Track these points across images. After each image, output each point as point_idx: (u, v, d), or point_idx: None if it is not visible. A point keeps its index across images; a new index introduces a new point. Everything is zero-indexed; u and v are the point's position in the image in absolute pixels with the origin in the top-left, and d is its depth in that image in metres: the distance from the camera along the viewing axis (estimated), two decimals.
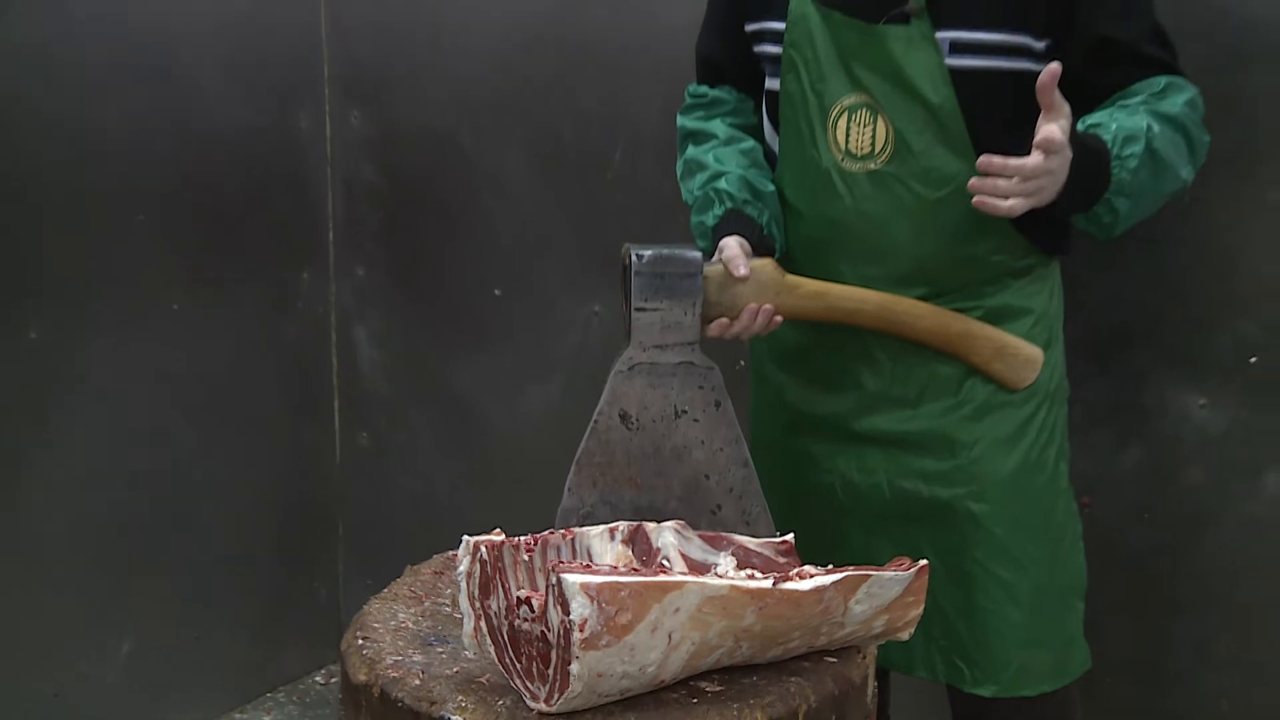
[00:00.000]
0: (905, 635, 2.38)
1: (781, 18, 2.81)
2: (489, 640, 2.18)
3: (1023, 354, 2.79)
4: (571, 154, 3.84)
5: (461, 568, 2.21)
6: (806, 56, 2.80)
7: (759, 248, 2.76)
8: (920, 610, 2.37)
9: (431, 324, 4.15)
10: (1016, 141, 2.59)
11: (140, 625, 3.82)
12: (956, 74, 2.68)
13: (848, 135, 2.77)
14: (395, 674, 2.22)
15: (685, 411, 2.63)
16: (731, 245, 2.69)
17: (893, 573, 2.30)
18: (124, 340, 3.72)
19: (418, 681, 2.20)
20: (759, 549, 2.44)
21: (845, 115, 2.79)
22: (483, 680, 2.20)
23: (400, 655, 2.29)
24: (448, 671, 2.23)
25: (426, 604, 2.49)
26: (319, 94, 4.11)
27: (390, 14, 4.03)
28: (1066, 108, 2.49)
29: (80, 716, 3.73)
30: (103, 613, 3.76)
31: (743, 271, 2.62)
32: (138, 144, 3.70)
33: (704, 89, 3.07)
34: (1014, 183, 2.48)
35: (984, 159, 2.50)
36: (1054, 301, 2.87)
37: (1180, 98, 2.72)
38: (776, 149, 2.94)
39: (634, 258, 2.60)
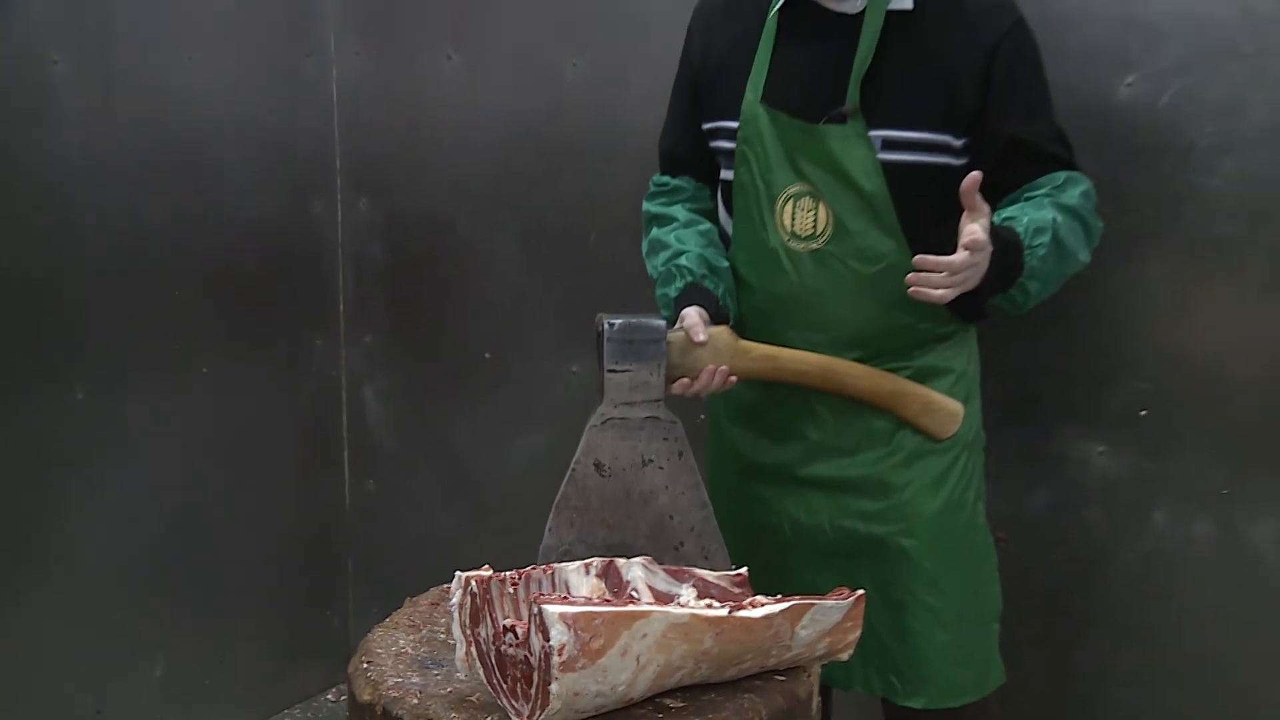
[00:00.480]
0: (845, 656, 2.39)
1: (735, 117, 2.85)
2: (478, 664, 2.19)
3: (946, 409, 2.83)
4: (553, 236, 3.85)
5: (454, 599, 2.22)
6: (757, 151, 2.83)
7: (715, 317, 2.77)
8: (858, 634, 2.39)
9: (430, 384, 4.14)
10: (939, 224, 2.67)
11: (173, 649, 3.82)
12: (887, 167, 2.71)
13: (793, 219, 2.80)
14: (396, 694, 2.24)
15: (652, 460, 2.63)
16: (691, 315, 2.71)
17: (833, 601, 2.32)
18: (160, 399, 3.72)
19: (415, 700, 2.22)
20: (716, 581, 2.44)
21: (790, 202, 2.82)
22: (473, 699, 2.22)
23: (400, 677, 2.30)
24: (442, 691, 2.25)
25: (424, 631, 2.49)
26: (332, 185, 4.11)
27: (396, 116, 4.04)
28: (986, 207, 2.53)
29: (125, 717, 3.73)
30: (140, 638, 3.76)
31: (701, 338, 2.65)
32: (174, 228, 3.71)
33: (666, 179, 3.09)
34: (944, 276, 2.52)
35: (919, 258, 2.53)
36: (972, 363, 2.90)
37: (1077, 190, 2.77)
38: (730, 230, 2.95)
39: (606, 325, 2.61)
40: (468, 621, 2.22)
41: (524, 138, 3.87)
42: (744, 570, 2.53)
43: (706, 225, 3.00)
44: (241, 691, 4.07)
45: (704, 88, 2.98)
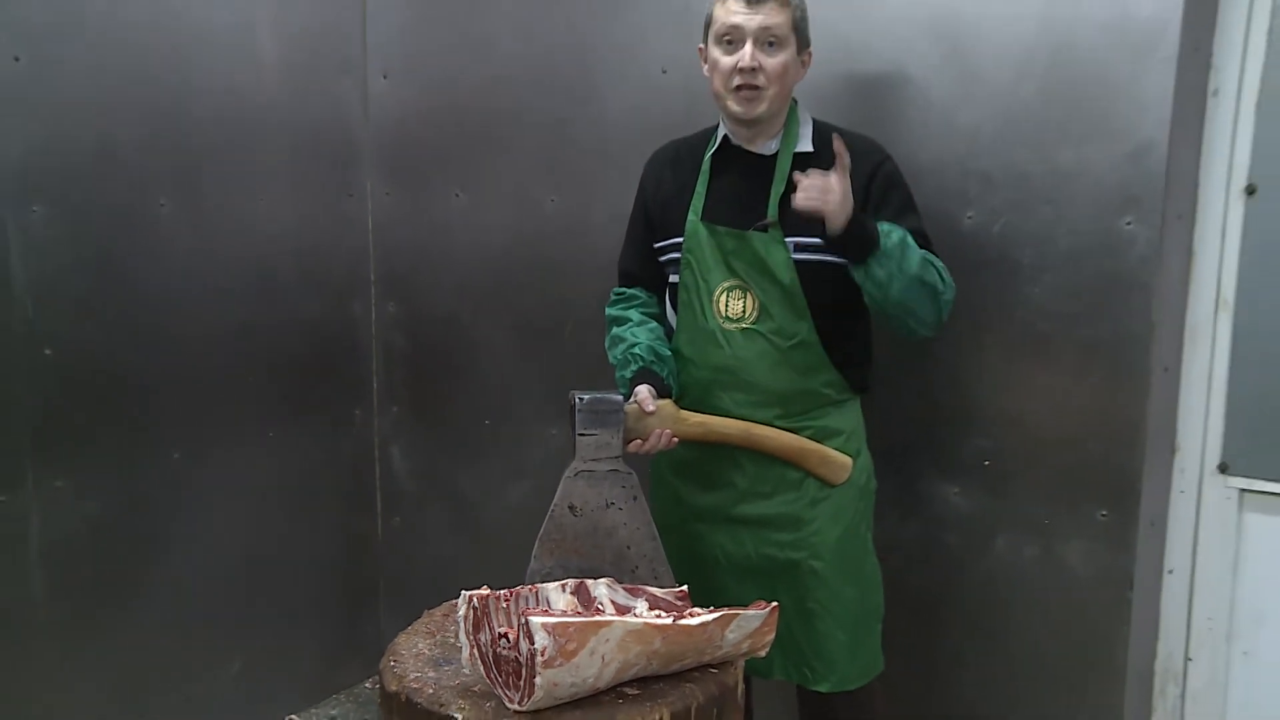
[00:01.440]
0: (763, 653, 2.45)
1: (681, 234, 2.90)
2: (479, 662, 2.28)
3: (838, 461, 2.89)
4: (537, 330, 3.86)
5: (461, 612, 2.30)
6: (698, 256, 2.88)
7: (661, 393, 2.82)
8: (772, 635, 2.44)
9: (442, 444, 4.13)
10: (838, 303, 2.85)
11: (246, 650, 3.85)
12: (799, 264, 2.80)
13: (726, 305, 2.86)
14: (415, 685, 2.30)
15: (613, 503, 2.70)
16: (642, 391, 2.78)
17: (754, 611, 2.40)
18: (236, 458, 3.75)
19: (431, 690, 2.28)
20: (664, 596, 2.53)
21: (725, 292, 2.88)
22: (475, 689, 2.28)
23: (419, 672, 2.36)
24: (451, 683, 2.31)
25: (437, 637, 2.54)
26: (367, 291, 4.13)
27: (416, 239, 4.05)
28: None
29: (208, 712, 3.72)
30: (221, 643, 3.78)
31: (651, 409, 2.73)
32: (248, 326, 3.74)
33: (624, 290, 3.12)
34: (821, 181, 2.64)
35: (799, 176, 2.68)
36: (859, 425, 2.96)
37: (935, 259, 2.83)
38: (675, 324, 2.98)
39: (577, 400, 2.68)
40: (471, 630, 2.29)
41: (514, 255, 3.88)
42: (685, 588, 2.58)
43: (654, 325, 3.02)
44: (299, 682, 4.07)
45: (655, 217, 3.01)
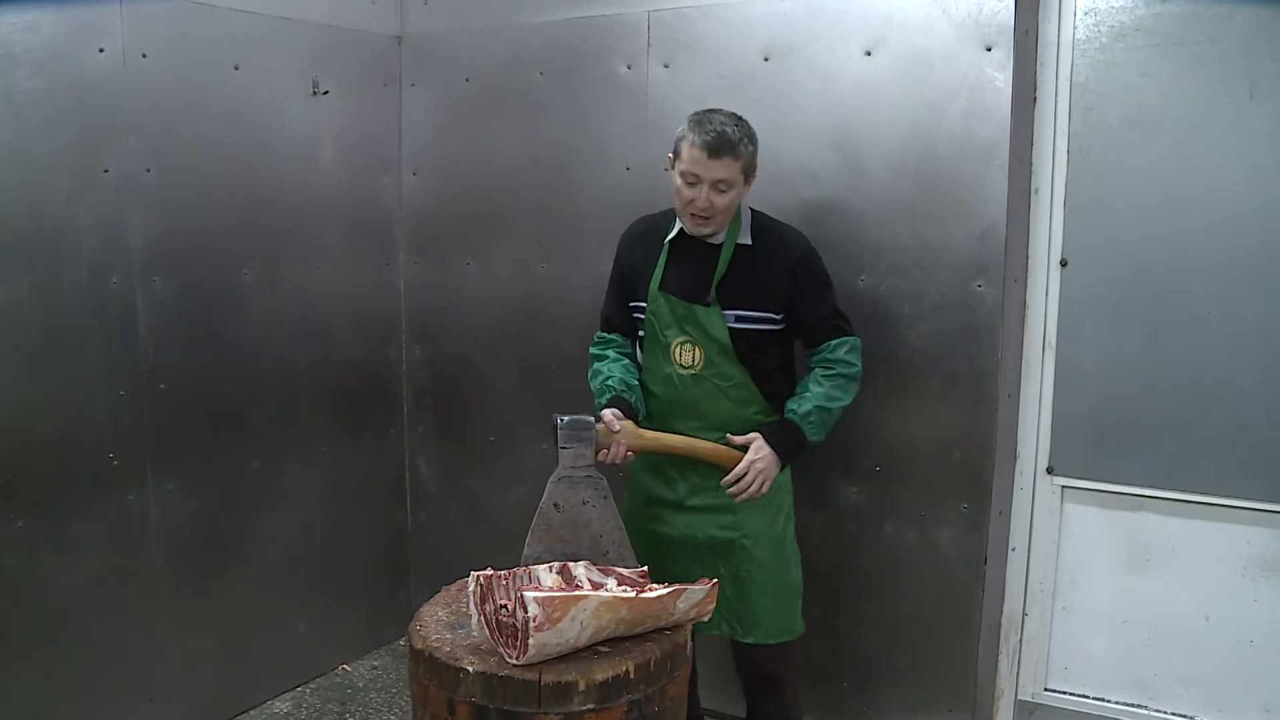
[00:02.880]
0: (706, 618, 2.46)
1: (645, 299, 2.90)
2: (485, 627, 2.26)
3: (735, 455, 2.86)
4: (532, 368, 3.82)
5: (470, 588, 2.32)
6: (659, 317, 2.88)
7: (629, 415, 2.82)
8: (714, 604, 2.44)
9: (458, 456, 4.09)
10: (766, 355, 2.87)
11: (308, 616, 3.85)
12: (734, 330, 2.81)
13: (679, 356, 2.87)
14: (436, 644, 2.29)
15: (588, 502, 2.70)
16: (607, 414, 2.77)
17: (699, 587, 2.41)
18: (299, 466, 3.74)
19: (448, 649, 2.27)
20: (629, 575, 2.51)
21: (679, 346, 2.87)
22: (483, 648, 2.27)
23: (439, 634, 2.34)
24: (464, 643, 2.30)
25: (454, 606, 2.51)
26: (399, 337, 4.10)
27: (437, 298, 4.00)
28: (749, 460, 2.78)
29: (279, 658, 3.74)
30: (289, 610, 3.79)
31: (617, 428, 2.74)
32: (310, 366, 3.75)
33: (604, 334, 3.08)
34: (748, 480, 2.78)
35: (730, 482, 2.79)
36: None
37: (844, 348, 2.87)
38: (643, 364, 2.97)
39: (559, 421, 2.70)
40: (479, 602, 2.30)
41: (513, 310, 3.85)
42: (646, 569, 2.55)
43: (627, 362, 2.99)
44: (350, 640, 4.03)
45: (629, 280, 2.99)
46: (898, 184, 3.12)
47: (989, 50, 2.98)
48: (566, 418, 2.70)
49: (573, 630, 2.22)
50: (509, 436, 3.98)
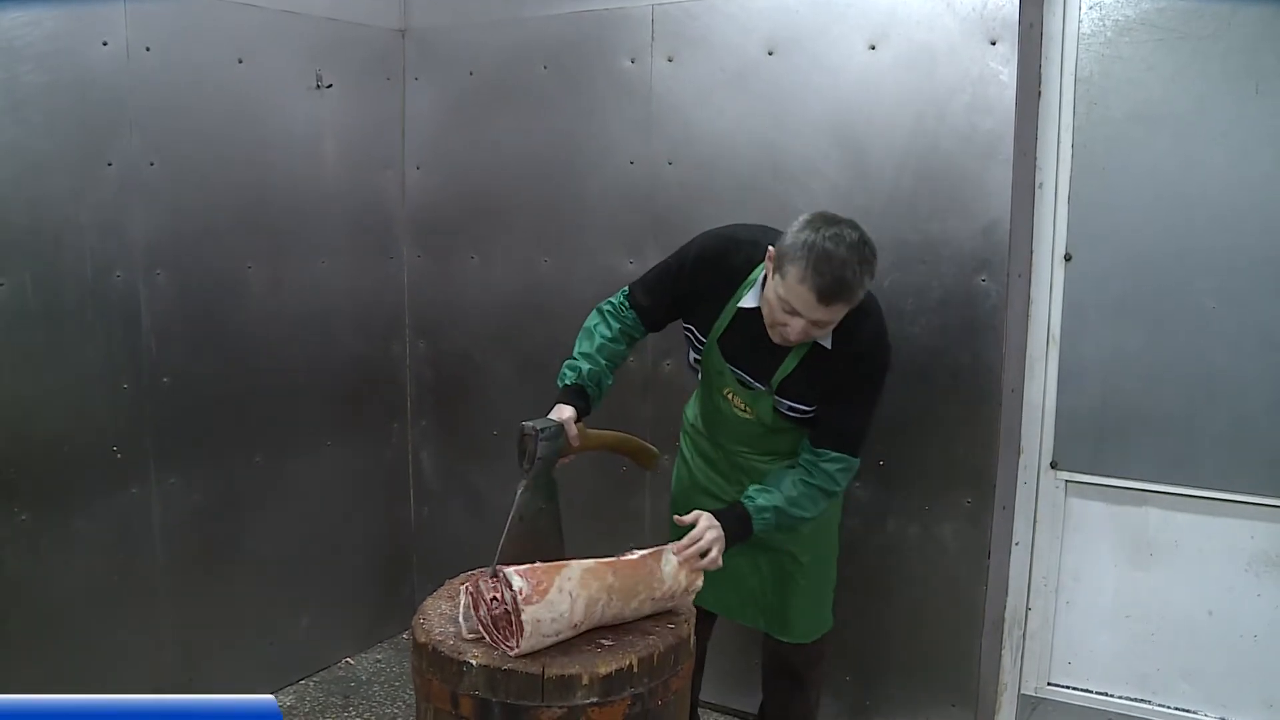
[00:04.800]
0: (700, 583, 2.39)
1: (704, 336, 2.67)
2: (486, 633, 2.24)
3: (653, 454, 2.80)
4: (533, 363, 3.81)
5: (461, 603, 2.30)
6: (711, 365, 2.70)
7: (581, 411, 2.61)
8: (702, 578, 2.41)
9: (459, 451, 4.10)
10: (799, 426, 2.64)
11: (313, 609, 3.84)
12: (778, 409, 2.63)
13: (732, 399, 2.70)
14: (439, 638, 2.28)
15: (543, 509, 2.53)
16: (567, 414, 2.57)
17: (675, 547, 2.39)
18: (303, 461, 3.74)
19: (451, 641, 2.27)
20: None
21: (730, 393, 2.69)
22: (485, 641, 2.25)
23: (442, 628, 2.33)
24: (467, 637, 2.28)
25: (454, 600, 2.46)
26: (402, 332, 4.11)
27: (440, 293, 4.01)
28: (704, 526, 2.43)
29: (282, 651, 3.73)
30: (294, 604, 3.79)
31: (577, 443, 2.56)
32: (313, 363, 3.74)
33: (626, 305, 2.77)
34: (698, 548, 2.41)
35: (679, 548, 2.41)
36: None
37: (835, 467, 2.58)
38: (699, 381, 2.81)
39: (535, 429, 2.52)
40: (472, 610, 2.27)
41: (515, 305, 3.85)
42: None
43: (622, 347, 2.76)
44: (353, 633, 4.04)
45: (687, 297, 2.70)
46: (901, 179, 3.12)
47: (993, 44, 2.98)
48: (540, 425, 2.52)
49: (564, 603, 2.20)
50: (512, 431, 3.81)
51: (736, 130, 3.33)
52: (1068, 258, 3.16)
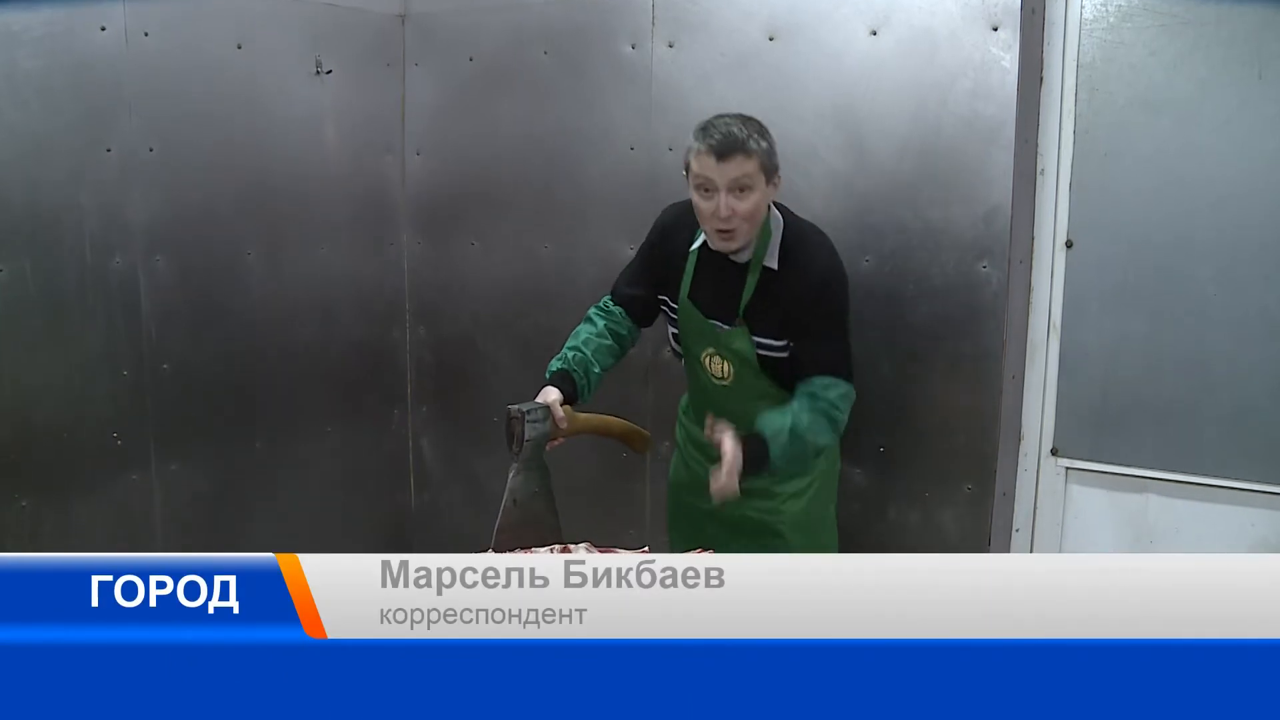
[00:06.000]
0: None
1: (675, 299, 2.76)
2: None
3: (643, 436, 2.84)
4: (533, 349, 3.71)
5: None
6: (688, 329, 2.76)
7: (569, 396, 2.64)
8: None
9: (460, 437, 4.12)
10: (792, 371, 2.68)
11: None
12: (760, 356, 2.70)
13: (710, 367, 2.76)
14: None
15: (536, 492, 2.57)
16: (553, 396, 2.60)
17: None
18: (303, 447, 3.76)
19: None
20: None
21: (708, 358, 2.75)
22: None
23: None
24: None
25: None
26: (403, 318, 4.11)
27: (440, 278, 4.01)
28: (728, 443, 2.46)
29: None
30: None
31: (564, 425, 2.59)
32: (314, 348, 3.76)
33: (611, 304, 2.89)
34: (724, 481, 2.45)
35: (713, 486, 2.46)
36: None
37: (835, 391, 2.62)
38: (684, 368, 2.86)
39: (523, 411, 2.53)
40: None
41: (516, 291, 3.86)
42: (645, 547, 2.40)
43: (609, 341, 2.82)
44: None
45: (657, 268, 2.81)
46: (902, 165, 3.11)
47: (995, 30, 2.97)
48: (526, 407, 2.54)
49: None
50: None
51: None
52: (1069, 244, 3.14)
